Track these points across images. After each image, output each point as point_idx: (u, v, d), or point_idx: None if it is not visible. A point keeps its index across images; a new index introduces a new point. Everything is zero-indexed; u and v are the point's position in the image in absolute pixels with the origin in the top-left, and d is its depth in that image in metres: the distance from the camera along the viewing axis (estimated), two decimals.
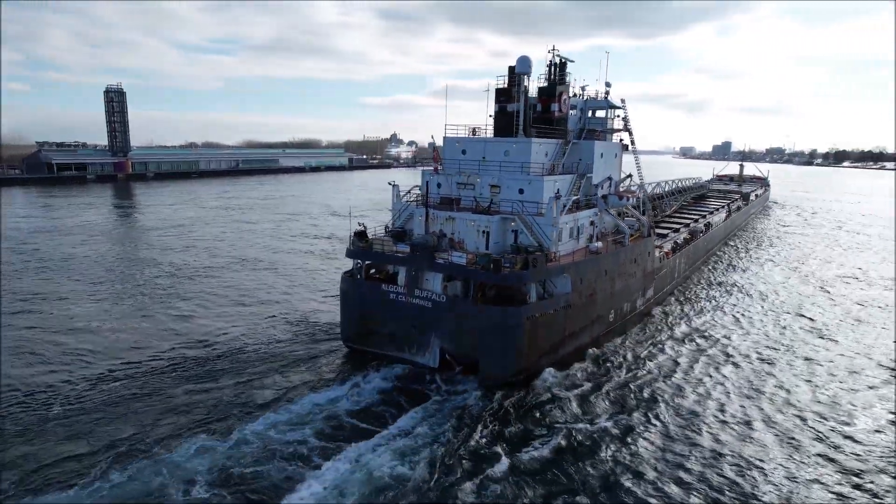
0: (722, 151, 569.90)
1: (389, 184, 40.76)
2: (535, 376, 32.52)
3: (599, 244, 39.51)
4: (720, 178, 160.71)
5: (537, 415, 29.24)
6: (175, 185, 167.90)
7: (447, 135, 41.17)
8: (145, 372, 33.85)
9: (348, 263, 38.74)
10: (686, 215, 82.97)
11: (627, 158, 49.19)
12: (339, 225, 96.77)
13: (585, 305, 36.55)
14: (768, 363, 38.00)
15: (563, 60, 42.21)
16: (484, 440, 26.40)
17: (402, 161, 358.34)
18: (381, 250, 35.60)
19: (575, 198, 39.35)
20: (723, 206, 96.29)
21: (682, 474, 24.73)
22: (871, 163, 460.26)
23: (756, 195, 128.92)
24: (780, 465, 25.74)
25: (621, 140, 47.29)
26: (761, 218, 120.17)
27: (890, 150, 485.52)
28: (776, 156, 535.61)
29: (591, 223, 41.75)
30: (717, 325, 45.98)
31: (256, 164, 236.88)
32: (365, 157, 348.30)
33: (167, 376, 33.33)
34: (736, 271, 66.57)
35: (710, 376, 35.44)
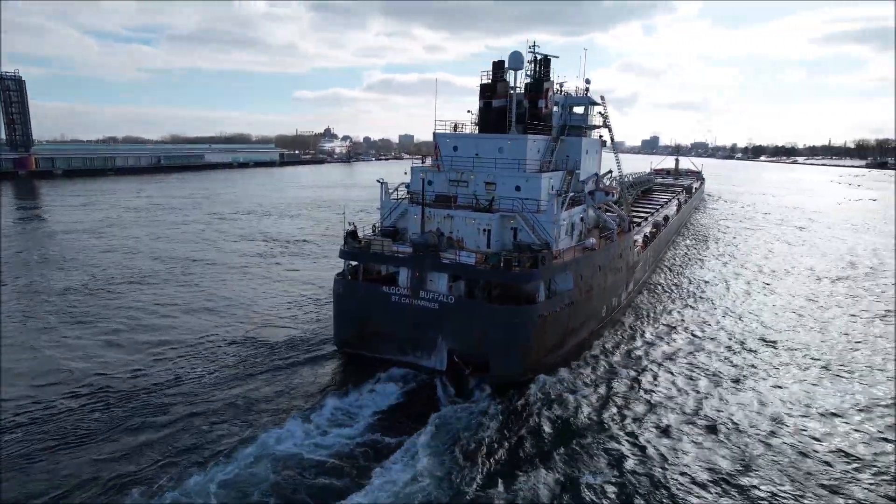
0: (650, 146, 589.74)
1: (378, 181, 39.36)
2: (542, 374, 32.13)
3: (593, 240, 38.90)
4: (657, 172, 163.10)
5: (554, 418, 28.36)
6: (87, 184, 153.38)
7: (437, 131, 40.55)
8: (59, 412, 27.30)
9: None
10: (642, 209, 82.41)
11: (606, 154, 49.21)
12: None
13: (584, 302, 36.26)
14: (761, 347, 38.34)
15: (547, 56, 41.75)
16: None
17: (335, 156, 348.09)
18: (379, 251, 34.13)
19: (571, 195, 38.91)
20: (672, 199, 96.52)
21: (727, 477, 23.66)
22: (784, 157, 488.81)
23: (694, 188, 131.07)
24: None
25: (601, 136, 47.25)
26: (702, 210, 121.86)
27: (799, 145, 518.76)
28: (700, 150, 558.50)
29: (581, 219, 41.61)
30: (698, 313, 47.05)
31: (180, 160, 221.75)
32: (297, 152, 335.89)
33: (90, 417, 27.13)
34: (693, 262, 65.94)
35: (710, 362, 36.26)
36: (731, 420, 28.70)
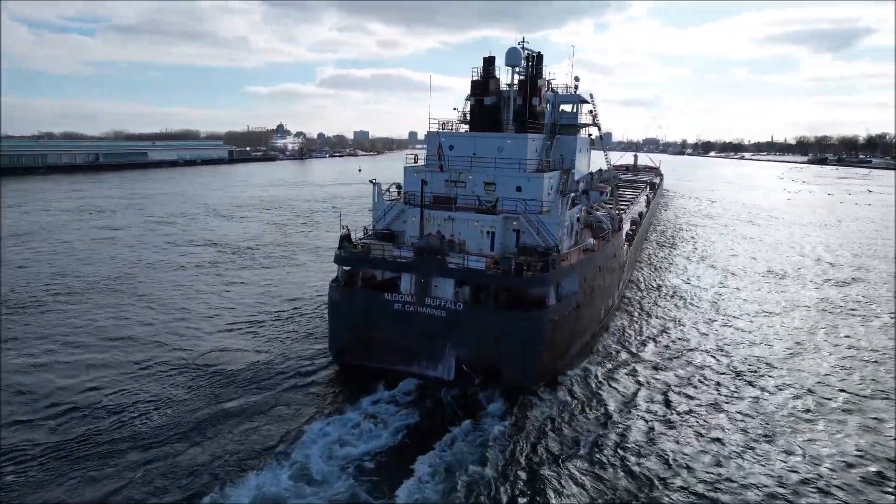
0: (604, 142, 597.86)
1: (370, 182, 37.82)
2: (552, 381, 31.30)
3: (592, 240, 37.92)
4: (617, 168, 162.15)
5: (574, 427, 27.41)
6: (12, 183, 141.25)
7: (430, 129, 39.51)
8: None
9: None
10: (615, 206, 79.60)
11: (595, 153, 48.94)
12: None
13: (588, 304, 35.52)
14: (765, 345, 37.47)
15: (540, 53, 40.58)
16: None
17: (288, 153, 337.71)
18: (380, 255, 32.48)
19: (573, 194, 37.95)
20: (639, 196, 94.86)
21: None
22: (732, 153, 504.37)
23: (655, 184, 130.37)
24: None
25: (589, 134, 46.06)
26: (665, 207, 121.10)
27: (745, 141, 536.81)
28: (652, 146, 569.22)
29: (578, 220, 40.56)
30: (688, 310, 47.00)
31: (121, 157, 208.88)
32: (248, 149, 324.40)
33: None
34: (668, 259, 64.26)
35: (722, 360, 36.12)
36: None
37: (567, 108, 43.97)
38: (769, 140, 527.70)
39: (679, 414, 28.59)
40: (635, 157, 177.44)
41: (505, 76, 39.39)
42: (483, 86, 38.61)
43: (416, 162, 40.52)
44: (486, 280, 30.53)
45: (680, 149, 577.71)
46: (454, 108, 41.21)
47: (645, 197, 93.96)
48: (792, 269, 63.01)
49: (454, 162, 37.43)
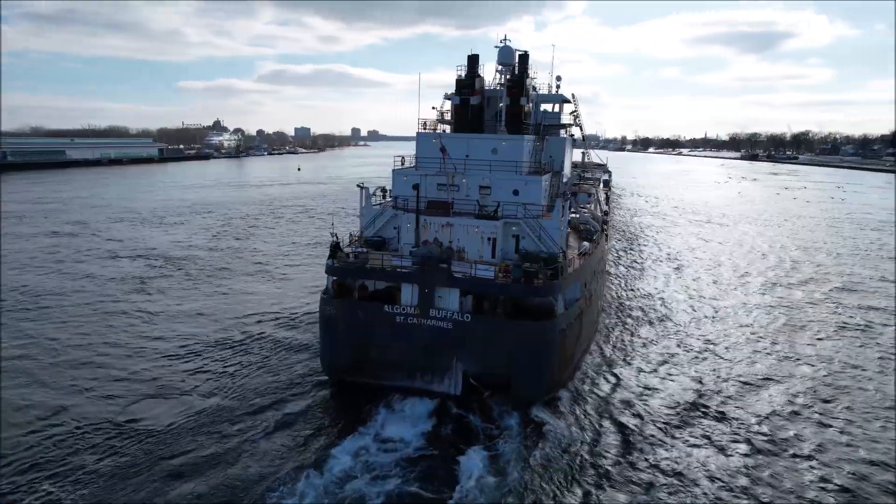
0: (587, 142, 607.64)
1: (358, 186, 36.25)
2: (560, 391, 30.55)
3: (587, 244, 37.03)
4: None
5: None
6: None
7: (420, 129, 38.18)
8: None
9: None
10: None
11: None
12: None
13: (588, 310, 34.87)
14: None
15: (525, 52, 39.99)
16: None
17: (224, 151, 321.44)
18: (379, 266, 30.69)
19: (571, 198, 37.52)
20: (598, 193, 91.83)
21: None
22: (670, 149, 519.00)
23: (608, 181, 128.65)
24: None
25: (572, 135, 45.17)
26: (616, 206, 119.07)
27: (682, 138, 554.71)
28: (593, 142, 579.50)
29: (569, 223, 39.64)
30: (671, 307, 47.35)
31: (34, 156, 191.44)
32: (181, 147, 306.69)
33: None
34: (637, 260, 62.00)
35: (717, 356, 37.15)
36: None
37: (547, 107, 42.93)
38: (703, 136, 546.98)
39: (687, 414, 29.06)
40: (584, 153, 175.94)
41: (489, 75, 38.70)
42: (469, 85, 37.05)
43: (403, 164, 38.03)
44: (496, 290, 29.14)
45: (620, 145, 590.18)
46: (433, 108, 39.61)
47: (605, 195, 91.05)
48: (770, 262, 60.73)
49: (446, 164, 35.54)
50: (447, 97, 39.12)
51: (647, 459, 24.68)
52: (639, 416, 28.65)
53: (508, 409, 28.09)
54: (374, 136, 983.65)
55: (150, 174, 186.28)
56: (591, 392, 31.08)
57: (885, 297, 51.02)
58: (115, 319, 40.90)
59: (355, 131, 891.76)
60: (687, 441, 26.33)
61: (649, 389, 31.62)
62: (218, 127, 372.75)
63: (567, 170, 41.71)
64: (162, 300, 45.84)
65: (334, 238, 32.52)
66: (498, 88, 38.77)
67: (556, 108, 42.43)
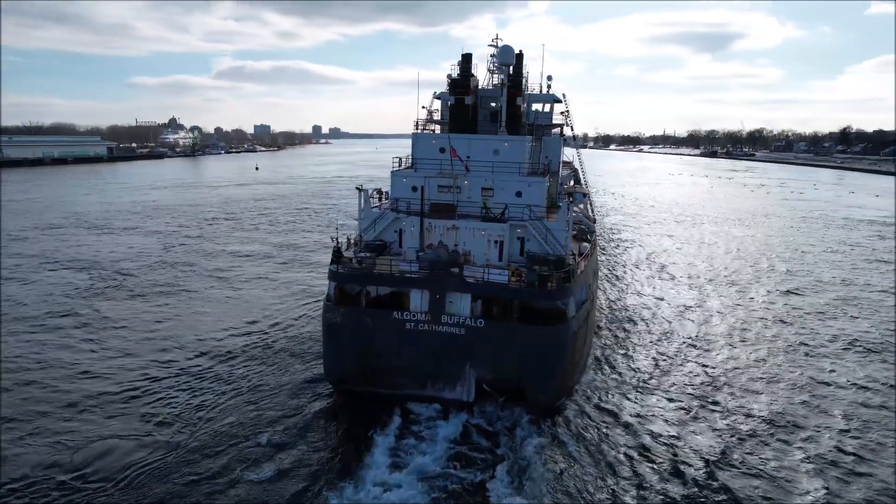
0: (577, 142, 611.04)
1: (357, 188, 35.72)
2: (569, 396, 30.37)
3: (587, 245, 37.48)
4: None
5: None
6: None
7: (421, 130, 37.71)
8: None
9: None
10: None
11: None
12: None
13: (591, 312, 35.13)
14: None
15: (521, 52, 39.87)
16: None
17: (179, 150, 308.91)
18: (387, 271, 29.96)
19: (571, 199, 36.86)
20: (588, 194, 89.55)
21: None
22: (631, 146, 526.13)
23: (580, 179, 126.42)
24: None
25: (563, 136, 44.52)
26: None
27: (643, 135, 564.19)
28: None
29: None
30: (662, 307, 47.60)
31: None
32: (134, 145, 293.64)
33: None
34: (620, 257, 60.68)
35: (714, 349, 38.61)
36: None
37: (537, 107, 41.96)
38: (662, 133, 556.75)
39: (696, 410, 29.57)
40: (577, 153, 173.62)
41: (481, 74, 38.85)
42: (465, 84, 36.91)
43: (400, 165, 37.09)
44: (510, 294, 28.82)
45: (582, 143, 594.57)
46: (423, 107, 39.08)
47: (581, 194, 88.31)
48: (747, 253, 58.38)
49: (447, 165, 34.95)
50: (437, 96, 38.92)
51: (676, 456, 25.02)
52: (649, 414, 28.88)
53: (522, 414, 27.84)
54: (335, 133, 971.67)
55: (97, 175, 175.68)
56: (599, 392, 31.23)
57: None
58: (60, 335, 35.12)
59: (316, 129, 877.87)
60: (703, 432, 27.18)
61: (654, 384, 32.37)
62: (174, 125, 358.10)
63: (561, 170, 41.04)
64: (106, 322, 40.09)
65: (336, 243, 31.62)
66: (491, 88, 38.60)
67: (547, 108, 42.02)
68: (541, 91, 41.63)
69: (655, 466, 24.11)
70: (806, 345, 38.81)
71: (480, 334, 28.39)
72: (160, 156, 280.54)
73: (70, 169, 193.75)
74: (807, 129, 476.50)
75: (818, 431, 27.36)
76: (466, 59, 37.36)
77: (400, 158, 37.13)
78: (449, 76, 37.54)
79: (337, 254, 31.11)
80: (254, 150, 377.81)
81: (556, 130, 43.14)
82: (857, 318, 44.71)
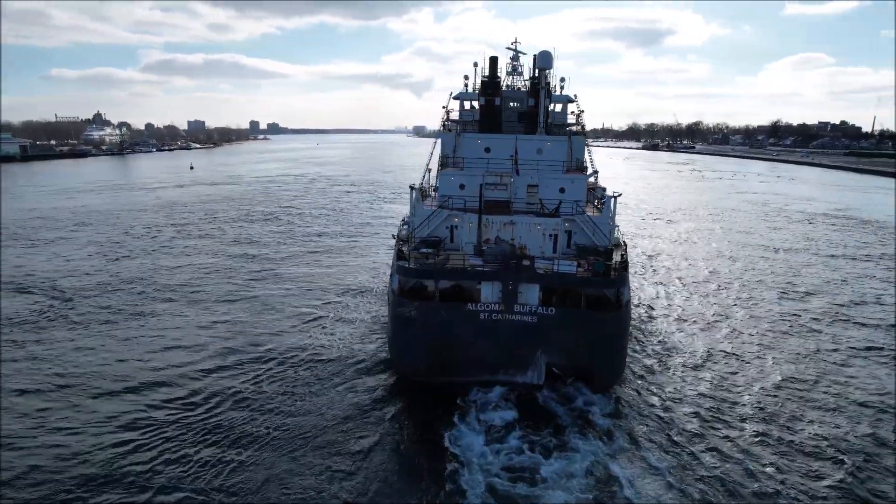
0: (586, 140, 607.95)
1: (410, 187, 37.44)
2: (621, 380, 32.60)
3: (618, 237, 39.28)
4: None
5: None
6: None
7: (466, 131, 40.36)
8: None
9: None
10: None
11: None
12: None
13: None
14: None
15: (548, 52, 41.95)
16: None
17: (105, 147, 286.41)
18: (461, 266, 31.65)
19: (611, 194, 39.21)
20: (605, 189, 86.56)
21: None
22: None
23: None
24: None
25: (585, 134, 46.54)
26: None
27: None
28: None
29: None
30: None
31: None
32: (52, 143, 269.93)
33: None
34: None
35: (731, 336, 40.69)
36: None
37: (559, 107, 44.05)
38: (602, 127, 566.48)
39: (729, 402, 30.82)
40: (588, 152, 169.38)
41: (505, 76, 43.17)
42: (495, 85, 40.16)
43: (443, 164, 39.65)
44: (577, 283, 30.90)
45: None
46: (443, 107, 41.51)
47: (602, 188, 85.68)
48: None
49: (493, 164, 37.56)
50: (455, 97, 41.47)
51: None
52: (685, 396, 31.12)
53: (589, 395, 30.02)
54: (274, 129, 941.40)
55: (9, 176, 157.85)
56: (641, 376, 33.39)
57: None
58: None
59: (254, 125, 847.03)
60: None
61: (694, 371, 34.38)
62: (99, 120, 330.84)
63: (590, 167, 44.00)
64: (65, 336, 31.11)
65: (399, 241, 36.45)
66: (518, 90, 42.89)
67: (561, 108, 43.65)
68: (554, 92, 43.27)
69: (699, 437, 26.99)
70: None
71: (552, 322, 30.19)
72: (83, 154, 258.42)
73: None
74: (734, 122, 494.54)
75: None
76: (493, 63, 40.38)
77: (443, 157, 39.20)
78: (465, 77, 41.46)
79: (401, 251, 34.07)
80: (188, 148, 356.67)
81: (576, 129, 44.41)
82: None
